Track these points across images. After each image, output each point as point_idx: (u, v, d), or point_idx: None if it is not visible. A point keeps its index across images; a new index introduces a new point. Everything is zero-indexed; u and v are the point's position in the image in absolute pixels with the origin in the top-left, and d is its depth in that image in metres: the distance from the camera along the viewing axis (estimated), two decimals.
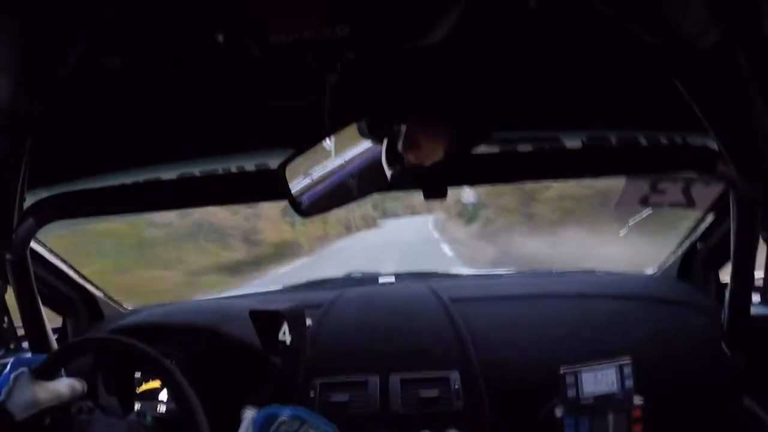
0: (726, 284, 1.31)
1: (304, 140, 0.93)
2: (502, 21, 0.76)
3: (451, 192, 1.11)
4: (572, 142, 1.18)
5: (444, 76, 0.81)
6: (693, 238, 1.56)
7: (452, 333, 1.46)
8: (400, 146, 0.96)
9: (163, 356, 1.06)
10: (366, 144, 1.03)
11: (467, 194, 17.21)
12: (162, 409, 1.42)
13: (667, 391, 1.31)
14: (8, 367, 1.00)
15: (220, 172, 1.26)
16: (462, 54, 0.78)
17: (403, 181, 1.06)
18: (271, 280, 9.90)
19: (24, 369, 0.97)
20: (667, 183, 1.26)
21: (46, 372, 1.01)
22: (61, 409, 1.02)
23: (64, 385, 1.01)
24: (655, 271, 1.77)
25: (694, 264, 1.59)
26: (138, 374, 1.47)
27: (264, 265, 13.49)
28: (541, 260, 9.39)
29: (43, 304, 1.39)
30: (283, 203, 1.03)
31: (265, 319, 1.41)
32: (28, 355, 1.39)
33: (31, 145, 0.83)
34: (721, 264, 1.52)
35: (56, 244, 1.53)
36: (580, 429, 1.26)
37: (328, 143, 1.12)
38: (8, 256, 1.19)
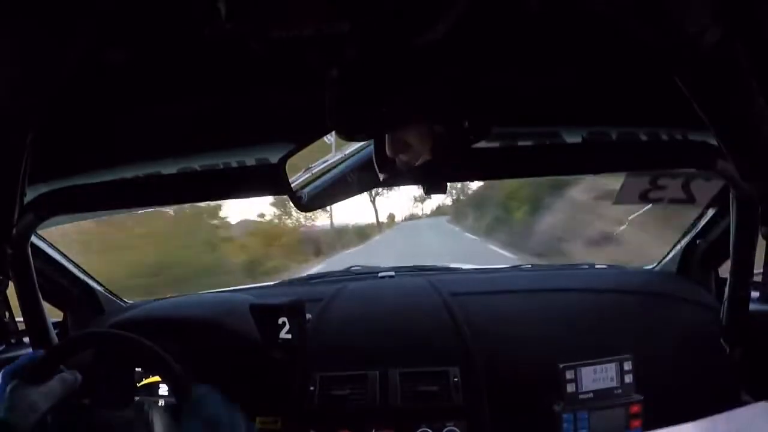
0: (725, 280, 1.31)
1: (304, 135, 0.93)
2: (504, 18, 0.76)
3: None
4: (573, 138, 1.18)
5: (445, 73, 0.81)
6: (693, 233, 1.57)
7: (452, 327, 1.46)
8: (388, 149, 0.96)
9: (163, 350, 1.06)
10: None
11: None
12: (162, 403, 1.42)
13: (665, 385, 1.31)
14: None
15: (221, 166, 1.26)
16: (463, 51, 0.78)
17: (402, 176, 1.06)
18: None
19: (16, 381, 0.97)
20: (667, 179, 1.26)
21: (42, 373, 1.00)
22: (60, 405, 1.01)
23: (57, 383, 1.01)
24: (655, 265, 1.78)
25: (694, 260, 1.60)
26: (138, 369, 1.48)
27: None
28: None
29: (43, 298, 1.39)
30: None
31: (266, 313, 1.42)
32: (21, 352, 1.38)
33: (32, 139, 0.83)
34: (720, 260, 1.52)
35: None
36: (579, 424, 1.26)
37: (329, 138, 1.13)
38: (9, 251, 1.19)
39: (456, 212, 27.15)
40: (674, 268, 1.66)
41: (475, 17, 0.64)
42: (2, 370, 1.00)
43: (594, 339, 1.39)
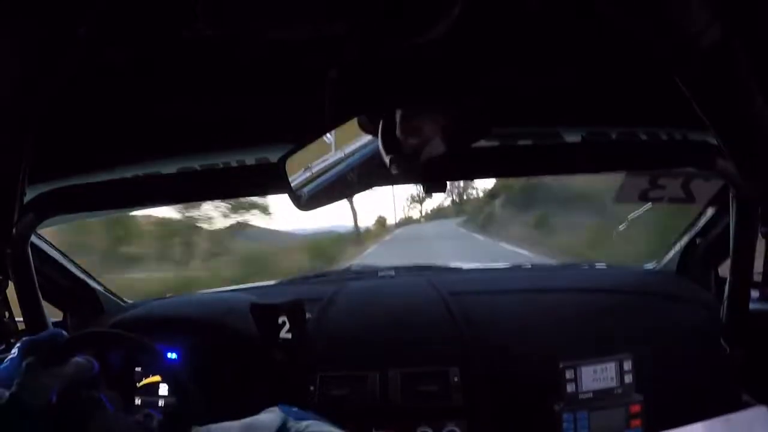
0: (725, 279, 1.31)
1: (304, 135, 0.93)
2: (504, 17, 0.76)
3: None
4: (572, 137, 1.18)
5: (444, 72, 0.81)
6: (693, 233, 1.57)
7: (451, 327, 1.46)
8: (398, 132, 0.95)
9: (163, 350, 1.06)
10: (366, 138, 1.03)
11: None
12: (161, 403, 1.43)
13: (665, 385, 1.31)
14: (16, 351, 0.99)
15: (221, 166, 1.26)
16: (463, 50, 0.78)
17: (403, 175, 1.06)
18: None
19: (32, 358, 0.97)
20: (666, 178, 1.26)
21: (60, 356, 1.00)
22: (69, 389, 1.01)
23: (72, 368, 1.01)
24: (655, 265, 1.78)
25: (694, 259, 1.60)
26: (138, 368, 1.48)
27: None
28: None
29: (43, 298, 1.39)
30: None
31: (266, 312, 1.41)
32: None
33: (31, 139, 0.83)
34: (720, 259, 1.52)
35: None
36: (579, 423, 1.26)
37: (329, 137, 1.12)
38: (9, 251, 1.19)
39: (476, 214, 20.73)
40: (674, 268, 1.66)
41: (475, 17, 0.64)
42: (21, 341, 1.00)
43: (594, 338, 1.39)
